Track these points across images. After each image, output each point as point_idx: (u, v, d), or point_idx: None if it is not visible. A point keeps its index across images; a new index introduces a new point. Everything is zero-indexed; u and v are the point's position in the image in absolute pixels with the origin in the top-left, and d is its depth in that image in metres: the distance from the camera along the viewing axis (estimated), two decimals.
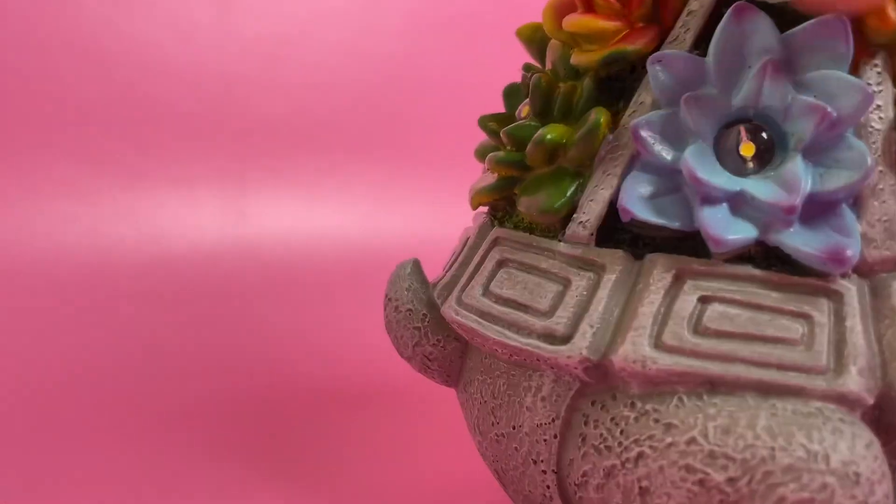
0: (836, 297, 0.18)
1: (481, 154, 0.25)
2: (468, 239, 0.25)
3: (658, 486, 0.18)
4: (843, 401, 0.18)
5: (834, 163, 0.19)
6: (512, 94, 0.25)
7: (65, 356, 0.42)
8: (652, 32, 0.21)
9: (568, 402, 0.20)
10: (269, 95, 0.59)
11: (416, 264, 0.25)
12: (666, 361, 0.18)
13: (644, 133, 0.20)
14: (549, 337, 0.20)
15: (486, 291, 0.22)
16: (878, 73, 0.19)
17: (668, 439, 0.18)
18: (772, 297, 0.19)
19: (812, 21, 0.19)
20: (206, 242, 0.54)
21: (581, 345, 0.19)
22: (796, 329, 0.18)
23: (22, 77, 0.53)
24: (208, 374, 0.41)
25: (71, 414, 0.36)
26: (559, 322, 0.20)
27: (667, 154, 0.20)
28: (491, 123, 0.24)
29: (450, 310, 0.23)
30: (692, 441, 0.18)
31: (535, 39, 0.25)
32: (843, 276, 0.19)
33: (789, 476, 0.17)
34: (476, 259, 0.23)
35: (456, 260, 0.25)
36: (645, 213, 0.20)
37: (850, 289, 0.18)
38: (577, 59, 0.22)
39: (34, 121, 0.53)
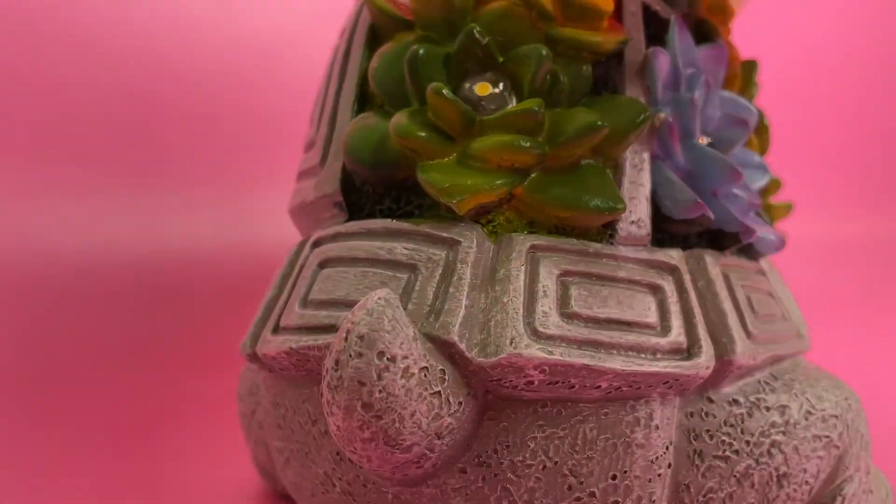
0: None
1: (420, 128, 0.18)
2: (411, 252, 0.18)
3: (795, 466, 0.19)
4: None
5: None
6: (433, 63, 0.19)
7: (60, 353, 0.43)
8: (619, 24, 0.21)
9: (675, 422, 0.18)
10: (266, 92, 0.59)
11: (398, 299, 0.16)
12: (762, 351, 0.19)
13: (674, 128, 0.20)
14: (679, 353, 0.18)
15: (569, 314, 0.17)
16: None
17: (790, 419, 0.19)
18: (759, 280, 0.21)
19: (710, 45, 0.23)
20: (203, 241, 0.54)
21: (710, 353, 0.18)
22: (775, 305, 0.22)
23: (16, 74, 0.51)
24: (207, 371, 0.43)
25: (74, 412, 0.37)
26: (679, 334, 0.18)
27: (685, 150, 0.20)
28: (455, 100, 0.18)
29: (530, 350, 0.16)
30: (809, 414, 0.19)
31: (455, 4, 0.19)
32: None
33: (860, 416, 0.20)
34: (508, 276, 0.17)
35: (417, 283, 0.17)
36: (711, 210, 0.19)
37: (764, 268, 0.23)
38: (593, 38, 0.19)
39: (27, 119, 0.51)
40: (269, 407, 0.21)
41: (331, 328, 0.18)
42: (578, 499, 0.17)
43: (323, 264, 0.19)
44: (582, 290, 0.17)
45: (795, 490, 0.19)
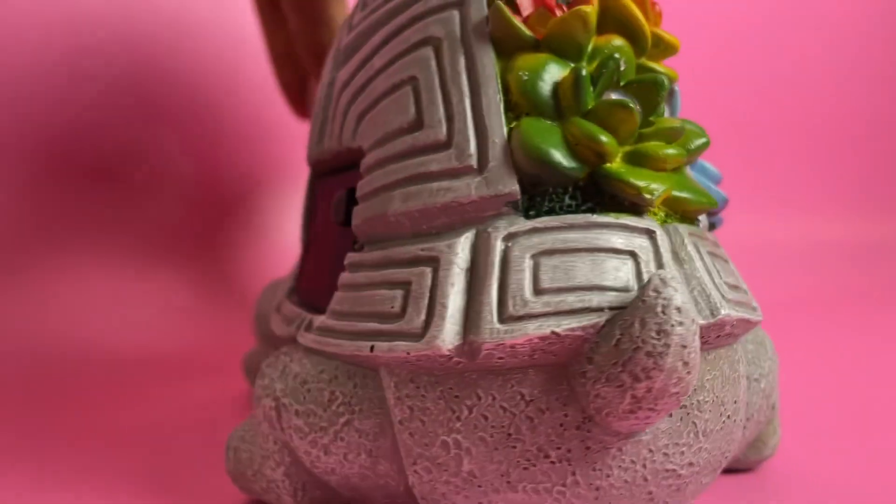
0: None
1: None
2: (625, 241, 0.21)
3: (774, 383, 0.27)
4: None
5: None
6: (585, 82, 0.22)
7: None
8: None
9: None
10: (268, 94, 0.62)
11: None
12: None
13: None
14: (751, 306, 0.24)
15: (723, 282, 0.22)
16: None
17: (770, 352, 0.27)
18: None
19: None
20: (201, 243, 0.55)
21: (758, 306, 0.25)
22: None
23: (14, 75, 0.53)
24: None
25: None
26: (747, 293, 0.25)
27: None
28: (637, 111, 0.22)
29: (730, 310, 0.21)
30: (772, 348, 0.28)
31: (589, 27, 0.22)
32: None
33: None
34: (690, 256, 0.22)
35: (642, 266, 0.21)
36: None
37: None
38: (670, 71, 0.24)
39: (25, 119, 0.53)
40: (429, 406, 0.21)
41: (585, 310, 0.20)
42: (724, 422, 0.23)
43: (538, 256, 0.21)
44: (717, 265, 0.23)
45: (774, 401, 0.27)
